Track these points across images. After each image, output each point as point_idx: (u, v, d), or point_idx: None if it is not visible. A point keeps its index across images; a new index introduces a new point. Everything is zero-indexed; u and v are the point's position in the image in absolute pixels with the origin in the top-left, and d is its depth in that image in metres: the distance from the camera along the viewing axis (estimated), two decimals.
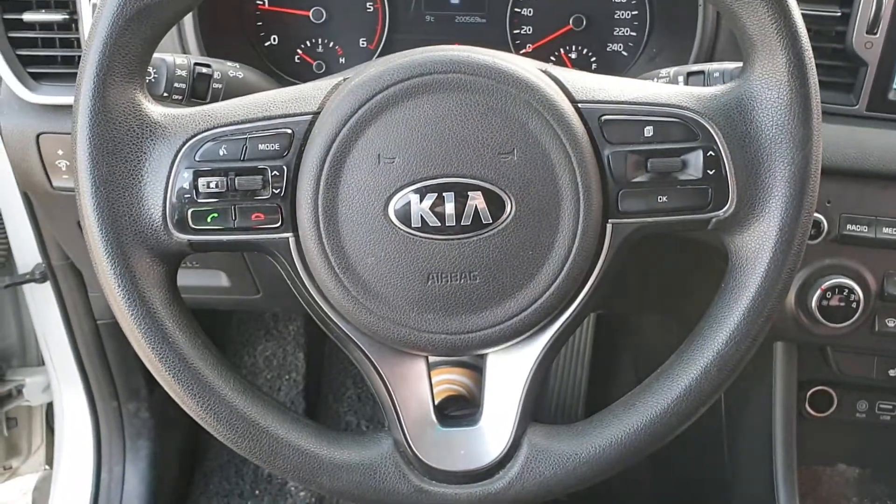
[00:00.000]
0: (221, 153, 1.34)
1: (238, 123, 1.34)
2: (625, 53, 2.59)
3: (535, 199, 1.34)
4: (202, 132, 1.34)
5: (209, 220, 1.34)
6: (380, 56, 2.47)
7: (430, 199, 1.32)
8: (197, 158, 1.34)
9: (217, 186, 1.34)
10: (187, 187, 1.33)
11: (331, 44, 2.60)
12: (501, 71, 1.33)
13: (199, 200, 1.33)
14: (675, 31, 2.47)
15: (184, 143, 1.33)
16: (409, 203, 1.32)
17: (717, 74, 1.66)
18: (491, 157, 1.32)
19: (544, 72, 1.40)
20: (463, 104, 1.33)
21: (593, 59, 2.57)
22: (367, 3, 2.59)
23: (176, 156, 1.33)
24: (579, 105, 1.36)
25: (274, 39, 2.59)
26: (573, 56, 2.56)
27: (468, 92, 1.33)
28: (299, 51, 2.58)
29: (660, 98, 1.36)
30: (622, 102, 1.37)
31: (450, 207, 1.32)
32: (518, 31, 2.60)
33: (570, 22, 2.61)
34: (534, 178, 1.34)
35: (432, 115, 1.31)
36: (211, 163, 1.34)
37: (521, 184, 1.33)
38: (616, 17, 2.64)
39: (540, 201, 1.33)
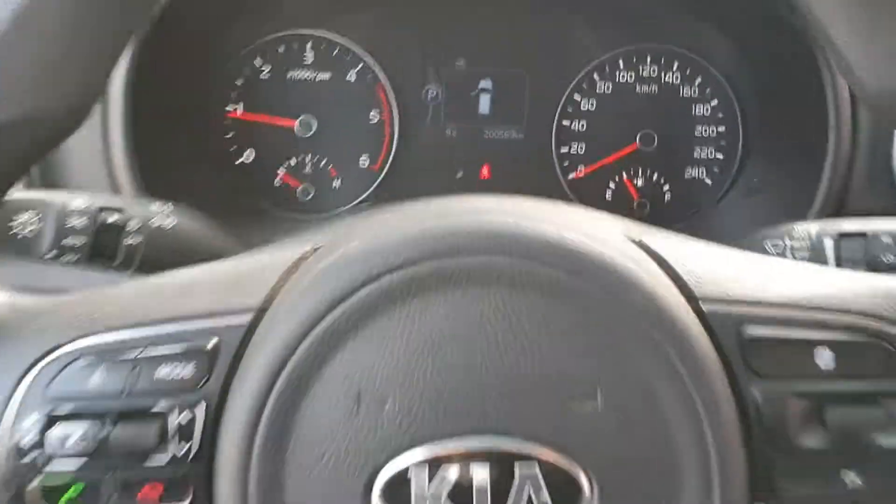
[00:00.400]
0: (94, 383, 0.85)
1: (128, 328, 0.87)
2: (708, 181, 2.27)
3: (632, 482, 0.82)
4: (64, 345, 0.86)
5: (67, 498, 0.82)
6: (385, 181, 2.29)
7: (448, 476, 0.80)
8: (52, 391, 0.85)
9: (84, 441, 0.83)
10: (32, 441, 0.84)
11: (322, 162, 2.27)
12: (571, 252, 0.84)
13: (51, 464, 0.83)
14: (784, 153, 2.11)
15: (31, 366, 0.86)
16: (408, 481, 0.80)
17: (888, 240, 1.23)
18: (556, 406, 0.82)
19: (637, 243, 0.93)
20: (508, 311, 0.83)
21: (666, 187, 2.25)
22: (372, 112, 2.34)
23: (16, 386, 0.85)
24: (706, 309, 0.87)
25: (248, 156, 2.28)
26: (639, 183, 2.25)
27: (518, 290, 0.83)
28: (281, 171, 2.25)
29: (833, 296, 0.89)
30: (773, 304, 0.89)
31: (482, 493, 0.79)
32: (566, 150, 2.28)
33: (637, 139, 2.28)
34: (631, 445, 0.83)
35: (454, 329, 0.83)
36: (75, 400, 0.84)
37: (608, 454, 0.82)
38: (697, 133, 2.28)
39: (642, 485, 0.82)
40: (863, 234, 1.27)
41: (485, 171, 2.31)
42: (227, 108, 2.21)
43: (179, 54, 1.96)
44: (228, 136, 2.22)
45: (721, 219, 2.20)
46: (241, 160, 2.24)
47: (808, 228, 1.36)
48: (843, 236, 1.28)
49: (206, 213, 1.54)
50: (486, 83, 2.28)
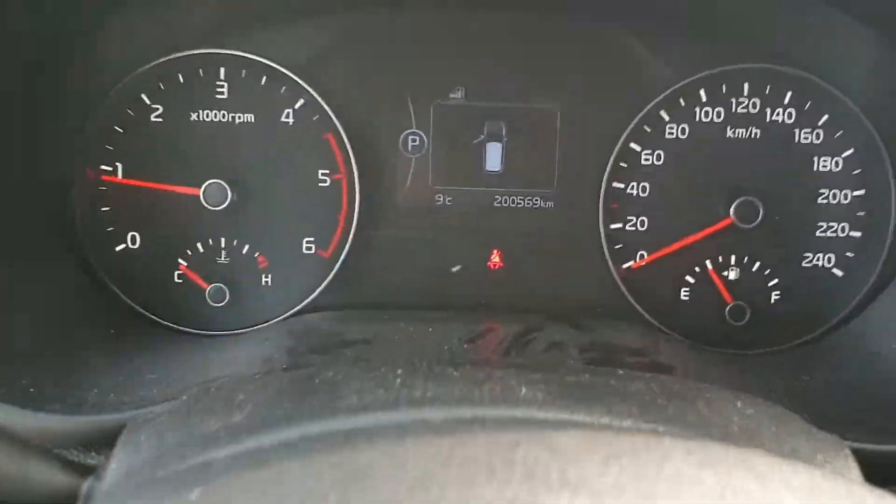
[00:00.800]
0: None
1: None
2: (838, 273, 1.71)
3: None
4: None
5: None
6: (340, 277, 1.71)
7: None
8: None
9: None
10: None
11: (244, 247, 1.74)
12: None
13: None
14: None
15: None
16: None
17: None
18: None
19: None
20: None
21: (774, 283, 1.69)
22: (320, 172, 1.71)
23: None
24: None
25: (132, 241, 1.72)
26: (732, 277, 1.70)
27: None
28: (181, 262, 1.72)
29: None
30: None
31: None
32: (619, 226, 1.71)
33: (731, 211, 1.66)
34: None
35: None
36: None
37: None
38: (822, 199, 1.71)
39: None
40: None
41: (495, 259, 1.75)
42: (105, 167, 1.71)
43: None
44: (102, 211, 1.72)
45: (865, 338, 1.64)
46: (120, 246, 1.72)
47: None
48: None
49: (58, 334, 1.35)
50: (494, 125, 1.73)
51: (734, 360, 1.62)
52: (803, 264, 1.72)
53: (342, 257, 1.71)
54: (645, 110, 1.71)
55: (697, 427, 0.98)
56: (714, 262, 1.71)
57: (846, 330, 1.67)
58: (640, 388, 1.03)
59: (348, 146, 1.71)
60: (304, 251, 1.74)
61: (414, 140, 1.72)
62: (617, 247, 1.72)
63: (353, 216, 1.71)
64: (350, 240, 1.71)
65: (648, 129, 1.70)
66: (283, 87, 1.70)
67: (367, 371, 1.09)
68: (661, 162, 1.70)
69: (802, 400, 1.42)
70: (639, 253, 1.72)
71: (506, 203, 1.74)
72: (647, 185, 1.71)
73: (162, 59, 1.68)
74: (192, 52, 1.68)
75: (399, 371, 1.08)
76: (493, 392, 0.97)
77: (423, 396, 0.95)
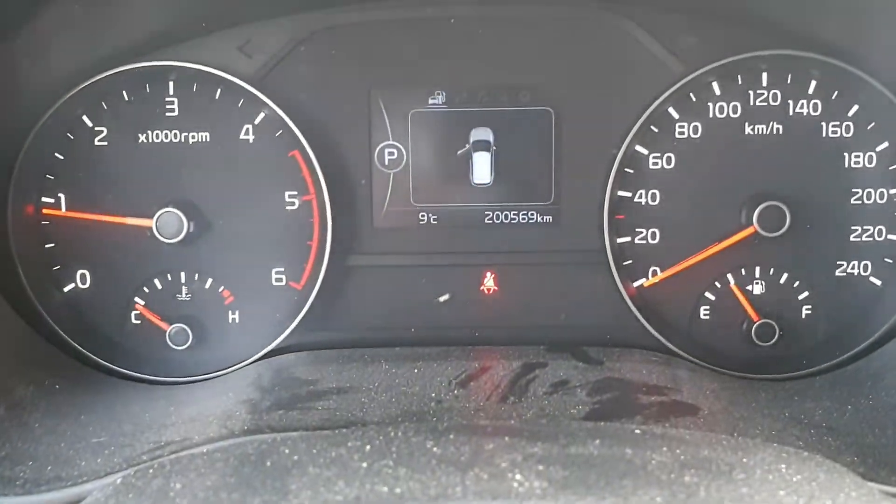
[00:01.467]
0: None
1: None
2: (877, 282, 1.53)
3: None
4: None
5: None
6: (314, 311, 1.52)
7: None
8: None
9: None
10: None
11: (207, 281, 1.55)
12: None
13: None
14: None
15: None
16: None
17: None
18: None
19: None
20: None
21: (804, 296, 1.51)
22: (287, 194, 1.52)
23: None
24: None
25: (81, 280, 1.54)
26: (757, 291, 1.52)
27: None
28: (137, 301, 1.55)
29: None
30: None
31: None
32: (628, 240, 1.52)
33: (755, 218, 1.48)
34: None
35: None
36: None
37: None
38: (856, 199, 1.53)
39: None
40: None
41: (488, 283, 1.57)
42: (41, 203, 1.55)
43: None
44: (46, 249, 1.57)
45: None
46: (69, 287, 1.57)
47: None
48: None
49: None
50: (481, 132, 1.55)
51: (764, 387, 1.43)
52: (837, 273, 1.56)
53: (316, 289, 1.51)
54: (651, 108, 1.54)
55: None
56: (737, 276, 1.55)
57: (890, 348, 1.46)
58: (663, 459, 0.85)
59: (316, 164, 1.54)
60: (274, 283, 1.59)
61: (391, 153, 1.57)
62: (626, 263, 1.57)
63: (325, 242, 1.55)
64: (324, 269, 1.53)
65: (656, 130, 1.54)
66: (241, 101, 1.57)
67: (330, 447, 0.92)
68: (671, 166, 1.54)
69: (849, 435, 1.24)
70: (651, 269, 1.56)
71: (498, 219, 1.56)
72: (656, 192, 1.55)
73: (103, 75, 1.53)
74: (136, 65, 1.54)
75: (368, 448, 0.91)
76: (480, 482, 0.79)
77: (391, 493, 0.77)
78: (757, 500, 0.79)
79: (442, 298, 1.55)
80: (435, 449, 0.87)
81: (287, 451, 0.90)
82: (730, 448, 0.92)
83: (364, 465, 0.83)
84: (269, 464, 0.88)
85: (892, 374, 1.43)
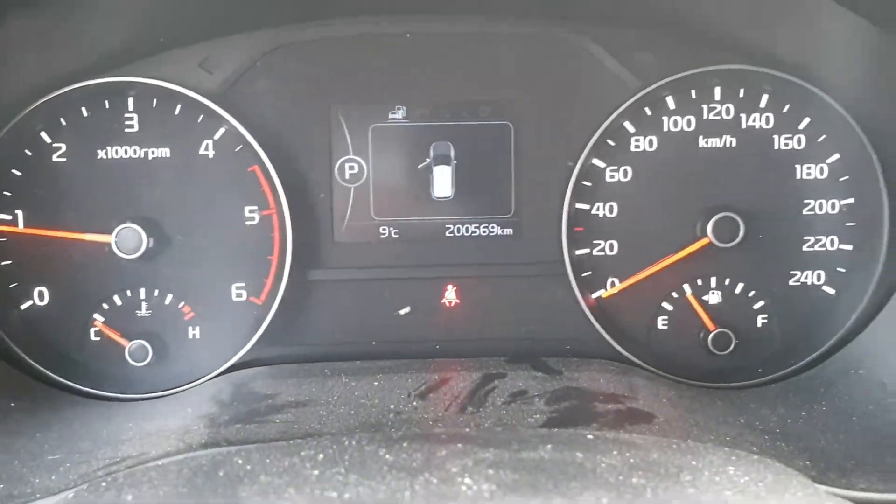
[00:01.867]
0: None
1: None
2: (830, 291, 1.54)
3: None
4: None
5: None
6: (275, 325, 1.51)
7: None
8: None
9: None
10: None
11: (167, 297, 1.54)
12: None
13: None
14: None
15: None
16: None
17: None
18: None
19: None
20: None
21: (759, 306, 1.52)
22: (247, 209, 1.52)
23: None
24: None
25: (39, 297, 1.51)
26: (713, 301, 1.52)
27: None
28: (96, 318, 1.52)
29: None
30: None
31: None
32: (586, 252, 1.53)
33: (709, 230, 1.49)
34: None
35: None
36: None
37: None
38: (808, 210, 1.54)
39: None
40: None
41: (449, 296, 1.58)
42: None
43: None
44: (3, 266, 1.54)
45: (864, 363, 1.46)
46: (26, 304, 1.54)
47: None
48: None
49: None
50: (441, 147, 1.54)
51: (721, 395, 1.44)
52: (791, 283, 1.57)
53: (276, 304, 1.49)
54: (607, 122, 1.51)
55: None
56: (693, 287, 1.56)
57: (843, 355, 1.48)
58: (613, 462, 0.86)
59: (276, 178, 1.51)
60: (235, 298, 1.57)
61: (352, 168, 1.56)
62: (585, 275, 1.54)
63: (286, 257, 1.54)
64: (284, 284, 1.50)
65: (612, 143, 1.52)
66: (200, 116, 1.55)
67: (283, 457, 0.92)
68: (628, 179, 1.55)
69: (802, 440, 1.25)
70: (609, 280, 1.58)
71: (458, 232, 1.54)
72: (614, 204, 1.56)
73: (61, 91, 1.52)
74: (95, 80, 1.52)
75: (320, 457, 0.90)
76: (429, 486, 0.79)
77: (340, 499, 0.77)
78: (703, 501, 0.80)
79: (403, 311, 1.54)
80: (387, 456, 0.87)
81: (240, 461, 0.90)
82: (679, 451, 0.92)
83: (315, 472, 0.82)
84: (221, 474, 0.87)
85: (844, 381, 1.44)
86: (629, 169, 1.52)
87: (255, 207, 1.52)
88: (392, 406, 1.25)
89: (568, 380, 1.39)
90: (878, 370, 1.45)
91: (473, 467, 0.81)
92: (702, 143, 1.53)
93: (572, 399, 1.30)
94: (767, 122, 1.56)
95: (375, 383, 1.37)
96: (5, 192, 1.48)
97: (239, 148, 1.49)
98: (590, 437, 1.02)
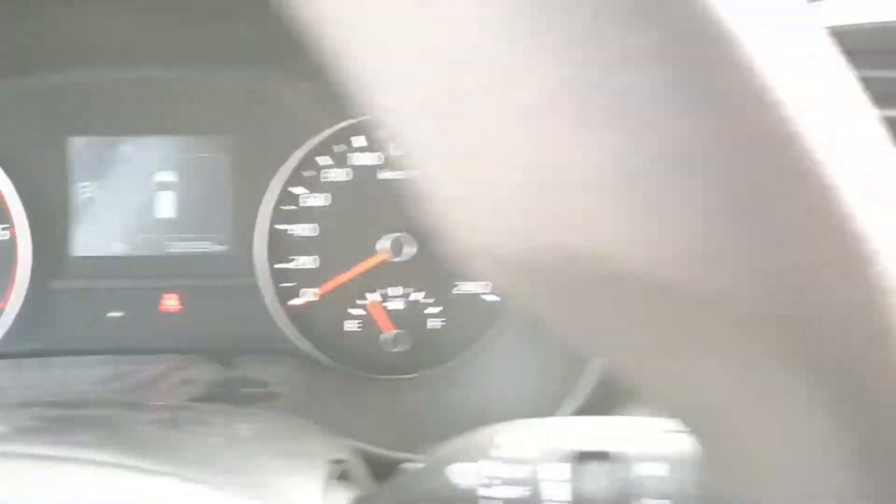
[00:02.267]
0: None
1: None
2: (493, 299, 1.80)
3: None
4: None
5: None
6: (17, 329, 1.69)
7: None
8: None
9: None
10: None
11: None
12: None
13: None
14: None
15: None
16: None
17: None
18: None
19: None
20: None
21: (431, 311, 1.79)
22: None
23: None
24: None
25: None
26: (392, 307, 1.78)
27: None
28: None
29: None
30: None
31: None
32: (287, 265, 1.77)
33: (389, 246, 1.75)
34: None
35: None
36: None
37: None
38: None
39: None
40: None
41: (169, 303, 1.76)
42: None
43: None
44: None
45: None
46: None
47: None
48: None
49: None
50: (166, 174, 1.73)
51: (381, 385, 1.67)
52: (455, 292, 1.75)
53: (17, 309, 1.66)
54: (301, 156, 1.71)
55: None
56: (377, 294, 1.74)
57: (477, 350, 1.72)
58: (150, 418, 1.05)
59: (16, 198, 1.66)
60: None
61: (85, 192, 1.70)
62: (282, 284, 1.73)
63: (27, 268, 1.67)
64: (26, 292, 1.67)
65: (306, 174, 1.72)
66: None
67: None
68: (322, 204, 1.73)
69: (405, 420, 1.51)
70: (302, 291, 1.74)
71: (179, 250, 1.73)
72: (316, 225, 1.74)
73: None
74: None
75: None
76: None
77: None
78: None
79: (114, 313, 1.71)
80: None
81: None
82: (224, 414, 1.13)
83: None
84: None
85: (472, 377, 1.68)
86: (322, 196, 1.72)
87: (6, 225, 1.68)
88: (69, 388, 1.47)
89: (243, 371, 1.58)
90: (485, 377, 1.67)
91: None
92: (383, 175, 1.72)
93: (230, 385, 1.51)
94: None
95: (78, 374, 1.59)
96: None
97: None
98: (195, 408, 1.23)
